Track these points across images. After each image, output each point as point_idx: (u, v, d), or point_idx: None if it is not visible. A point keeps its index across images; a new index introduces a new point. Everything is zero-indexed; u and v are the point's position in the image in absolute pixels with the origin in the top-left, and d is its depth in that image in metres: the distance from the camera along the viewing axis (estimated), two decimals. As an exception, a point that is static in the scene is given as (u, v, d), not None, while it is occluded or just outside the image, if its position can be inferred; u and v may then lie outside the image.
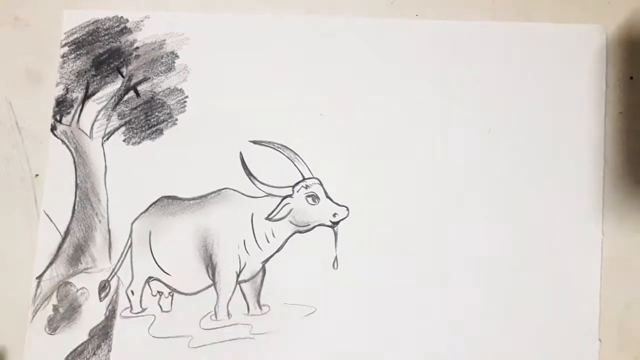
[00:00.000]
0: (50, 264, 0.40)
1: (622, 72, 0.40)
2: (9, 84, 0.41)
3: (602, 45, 0.40)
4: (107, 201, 0.40)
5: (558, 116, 0.40)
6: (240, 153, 0.40)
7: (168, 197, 0.40)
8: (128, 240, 0.40)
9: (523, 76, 0.40)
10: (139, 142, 0.40)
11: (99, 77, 0.41)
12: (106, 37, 0.41)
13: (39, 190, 0.40)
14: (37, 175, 0.41)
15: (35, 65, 0.42)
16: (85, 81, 0.41)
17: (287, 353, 0.38)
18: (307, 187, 0.40)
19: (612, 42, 0.40)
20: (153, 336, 0.39)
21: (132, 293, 0.39)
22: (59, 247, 0.40)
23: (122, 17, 0.41)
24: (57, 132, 0.41)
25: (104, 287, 0.39)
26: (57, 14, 0.42)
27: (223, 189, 0.40)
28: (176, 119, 0.41)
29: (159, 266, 0.40)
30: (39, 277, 0.39)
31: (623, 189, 0.39)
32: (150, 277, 0.40)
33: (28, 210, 0.40)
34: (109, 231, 0.40)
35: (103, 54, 0.41)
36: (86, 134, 0.41)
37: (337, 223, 0.39)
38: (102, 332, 0.39)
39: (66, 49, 0.41)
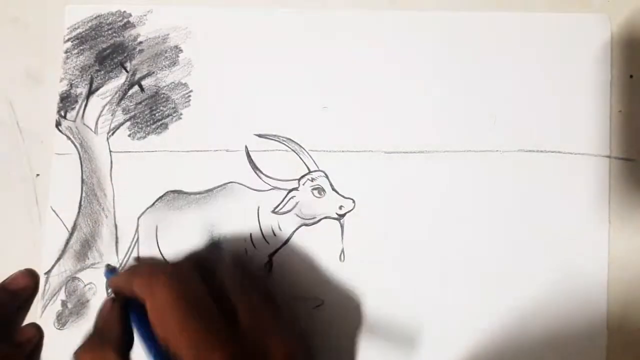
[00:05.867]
0: (58, 259, 0.40)
1: (622, 71, 0.40)
2: (9, 84, 0.41)
3: (607, 37, 0.40)
4: (114, 196, 0.40)
5: (563, 105, 0.40)
6: (246, 147, 0.40)
7: (174, 192, 0.40)
8: (135, 235, 0.40)
9: (528, 67, 0.40)
10: (144, 137, 0.40)
11: (102, 72, 0.41)
12: (109, 32, 0.41)
13: (40, 190, 0.40)
14: (38, 175, 0.41)
15: (36, 65, 0.41)
16: (89, 76, 0.41)
17: (295, 345, 0.39)
18: (312, 179, 0.40)
19: (612, 40, 0.40)
20: (161, 330, 0.39)
21: (140, 288, 0.39)
22: (67, 243, 0.40)
23: (124, 11, 0.41)
24: (62, 127, 0.41)
25: (111, 282, 0.39)
26: (58, 12, 0.41)
27: (228, 182, 0.40)
28: (181, 114, 0.41)
29: (166, 260, 0.40)
30: (47, 273, 0.40)
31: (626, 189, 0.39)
32: (157, 272, 0.40)
33: (29, 210, 0.40)
34: (116, 226, 0.40)
35: (106, 49, 0.41)
36: (91, 130, 0.41)
37: (343, 215, 0.40)
38: (110, 327, 0.39)
39: (69, 44, 0.41)
